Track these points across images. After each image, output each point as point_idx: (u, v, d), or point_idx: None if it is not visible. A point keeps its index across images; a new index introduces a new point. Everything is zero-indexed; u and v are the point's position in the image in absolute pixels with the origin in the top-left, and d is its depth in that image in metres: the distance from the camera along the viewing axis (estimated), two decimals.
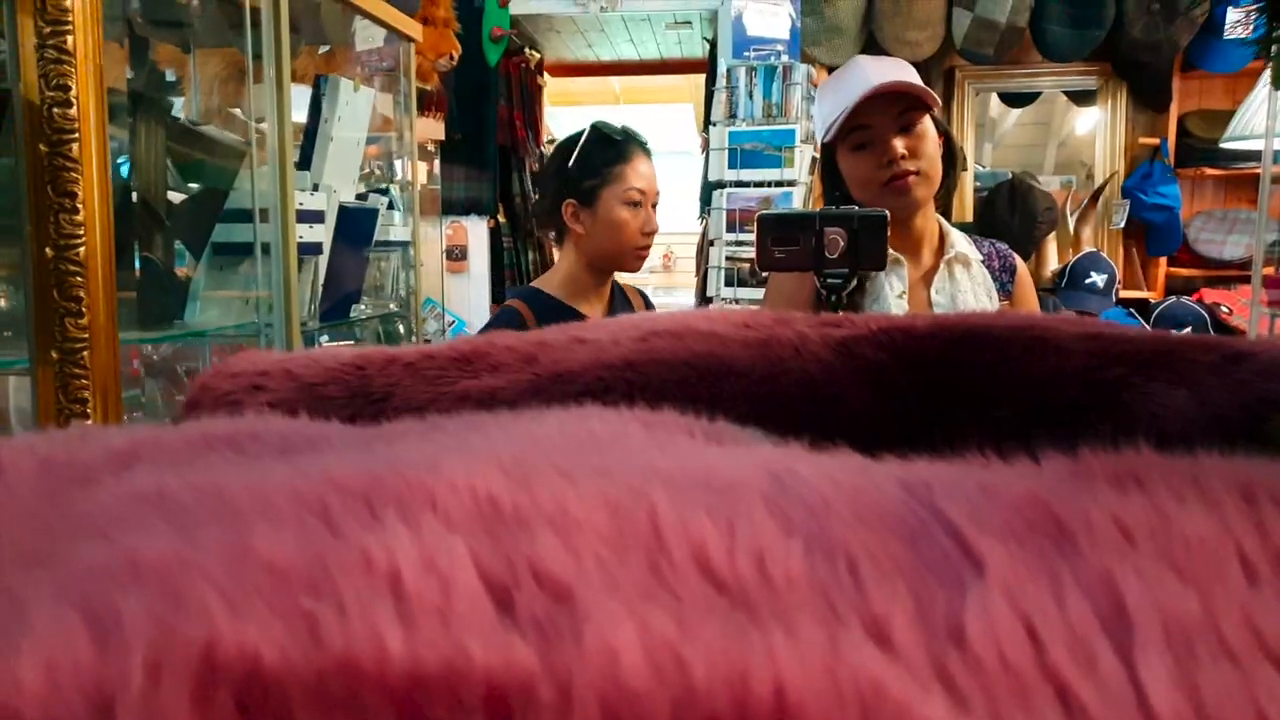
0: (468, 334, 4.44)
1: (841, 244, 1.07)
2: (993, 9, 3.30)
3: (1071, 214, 3.72)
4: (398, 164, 2.27)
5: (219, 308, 1.49)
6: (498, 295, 4.47)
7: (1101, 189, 3.61)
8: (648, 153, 1.68)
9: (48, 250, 0.86)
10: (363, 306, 1.83)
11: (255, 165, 1.37)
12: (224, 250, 1.43)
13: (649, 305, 1.85)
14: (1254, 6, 0.61)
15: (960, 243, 1.53)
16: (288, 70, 1.36)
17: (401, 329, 2.04)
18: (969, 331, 0.69)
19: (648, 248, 1.65)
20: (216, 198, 1.42)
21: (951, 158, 1.50)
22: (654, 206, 1.66)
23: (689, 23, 4.46)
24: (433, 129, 3.91)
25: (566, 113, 7.56)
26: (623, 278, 1.78)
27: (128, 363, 1.35)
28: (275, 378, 0.64)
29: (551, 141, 6.13)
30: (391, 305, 2.00)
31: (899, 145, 1.41)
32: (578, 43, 4.96)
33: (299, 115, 1.81)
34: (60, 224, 0.86)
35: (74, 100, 0.85)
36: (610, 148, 1.63)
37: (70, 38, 0.84)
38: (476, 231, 4.37)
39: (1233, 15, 2.91)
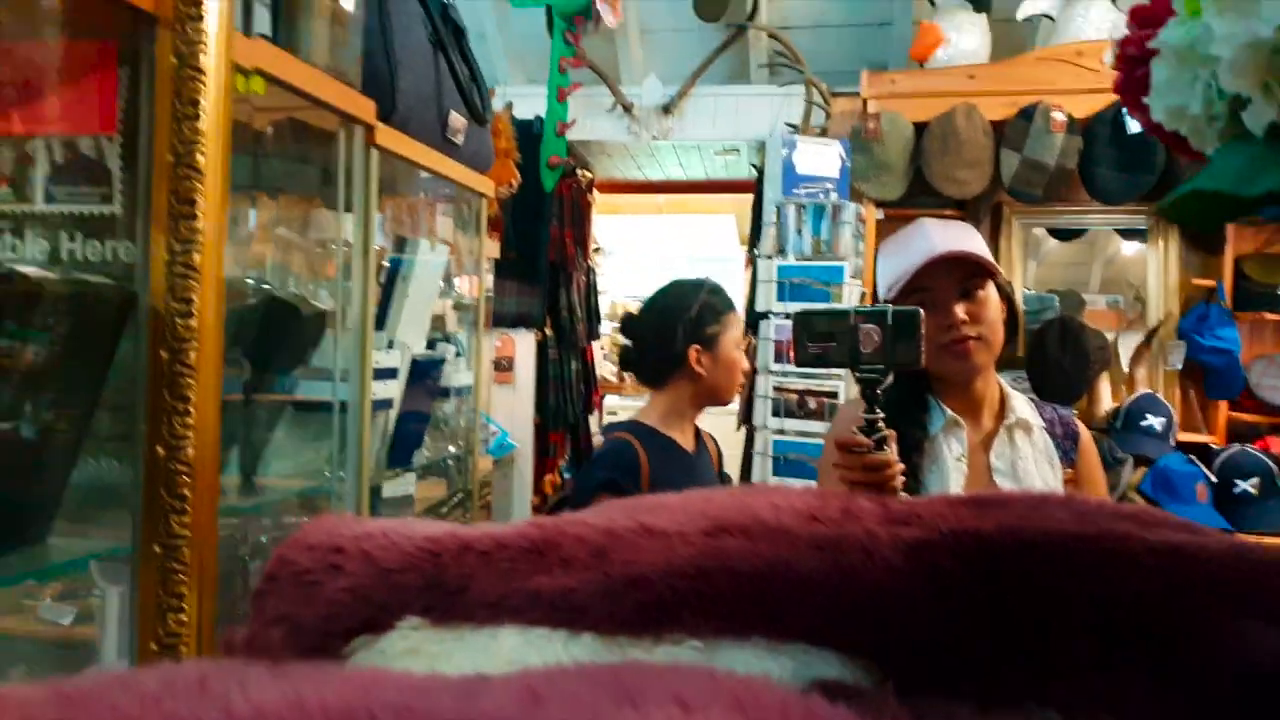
0: (510, 445, 4.48)
1: (876, 339, 1.07)
2: (1041, 151, 3.38)
3: (1122, 336, 3.69)
4: (457, 281, 2.37)
5: (292, 461, 1.53)
6: (541, 405, 4.53)
7: (1156, 330, 3.60)
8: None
9: (159, 449, 0.91)
10: (425, 450, 1.88)
11: (339, 328, 1.44)
12: (303, 408, 1.48)
13: (718, 447, 2.07)
14: None
15: (1022, 408, 1.53)
16: (373, 241, 1.43)
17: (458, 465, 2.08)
18: (1039, 541, 0.68)
19: (743, 385, 1.91)
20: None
21: (1014, 322, 1.52)
22: None
23: (737, 150, 4.60)
24: (489, 248, 4.04)
25: (611, 221, 7.75)
26: None
27: None
28: (352, 558, 0.65)
29: (597, 251, 6.28)
30: (451, 447, 2.05)
31: (960, 310, 1.42)
32: (628, 165, 5.12)
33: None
34: (173, 426, 0.91)
35: (195, 312, 0.90)
36: (721, 299, 1.89)
37: (198, 256, 0.90)
38: (524, 344, 4.47)
39: None
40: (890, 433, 1.20)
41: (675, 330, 1.82)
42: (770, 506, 0.70)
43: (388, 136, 1.48)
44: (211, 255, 0.91)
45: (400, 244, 1.68)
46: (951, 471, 1.47)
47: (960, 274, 1.42)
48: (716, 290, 1.90)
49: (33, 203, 1.01)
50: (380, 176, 1.87)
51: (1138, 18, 0.84)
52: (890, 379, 1.15)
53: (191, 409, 0.91)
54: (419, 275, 1.67)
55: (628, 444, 1.78)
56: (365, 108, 1.41)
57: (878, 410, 1.18)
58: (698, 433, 1.93)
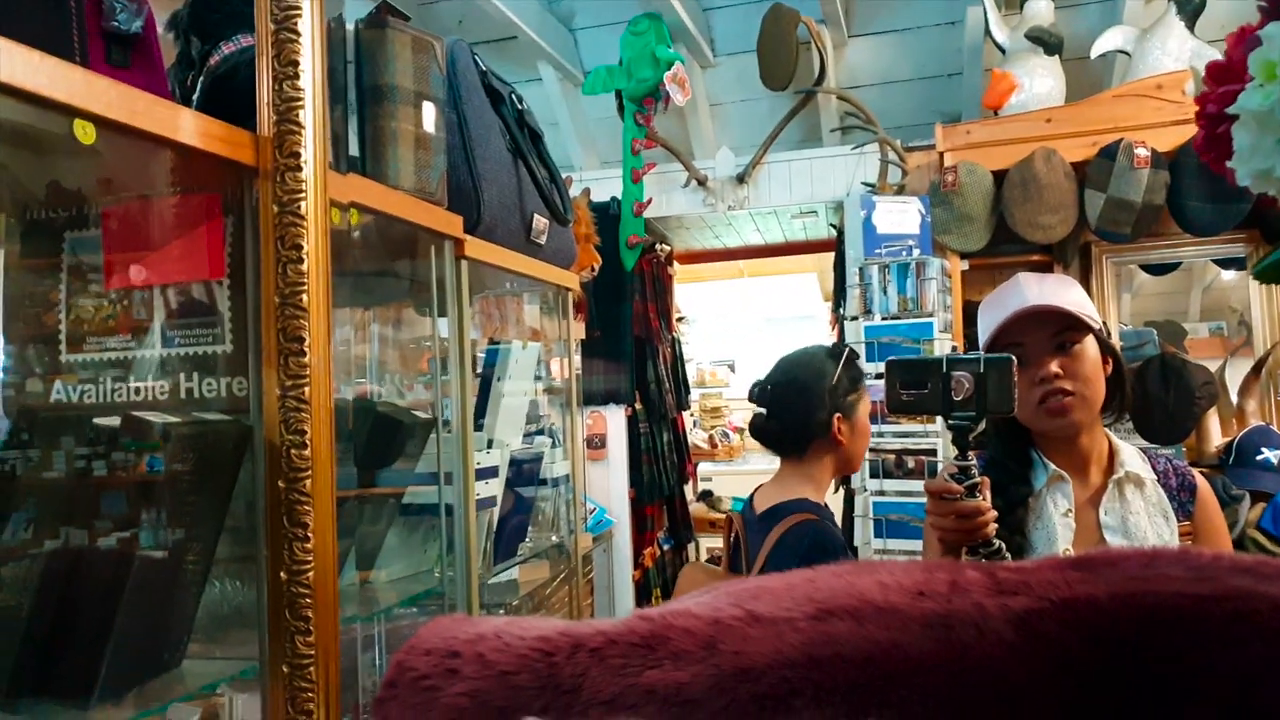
0: (608, 520, 4.50)
1: (968, 385, 1.08)
2: (1127, 190, 3.29)
3: (1229, 364, 3.54)
4: (552, 364, 2.43)
5: (403, 562, 1.58)
6: (635, 479, 4.54)
7: (1265, 359, 3.44)
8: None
9: (281, 574, 0.96)
10: (528, 541, 1.91)
11: (440, 433, 1.49)
12: (408, 511, 1.53)
13: None
14: None
15: (1132, 461, 1.47)
16: (468, 348, 1.49)
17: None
18: (1158, 609, 0.66)
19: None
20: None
21: (1119, 378, 1.47)
22: None
23: (815, 212, 4.62)
24: (575, 329, 4.13)
25: (693, 288, 7.81)
26: None
27: None
28: (468, 661, 0.67)
29: (680, 319, 6.33)
30: (554, 537, 2.08)
31: (1053, 365, 1.39)
32: (705, 235, 5.18)
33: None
34: (294, 551, 0.95)
35: (309, 443, 0.95)
36: (855, 367, 1.89)
37: (307, 389, 0.96)
38: (615, 420, 4.51)
39: None
40: (984, 480, 1.18)
41: (818, 399, 1.80)
42: (877, 585, 0.70)
43: (475, 247, 1.54)
44: (320, 387, 0.96)
45: (493, 344, 1.74)
46: (1059, 528, 1.42)
47: (1053, 328, 1.39)
48: (853, 358, 1.90)
49: (153, 347, 1.08)
50: (470, 280, 1.95)
51: (1214, 74, 0.83)
52: (982, 426, 1.14)
53: (310, 534, 0.95)
54: (513, 374, 1.72)
55: (830, 527, 1.76)
56: (452, 223, 1.47)
57: (970, 457, 1.16)
58: None
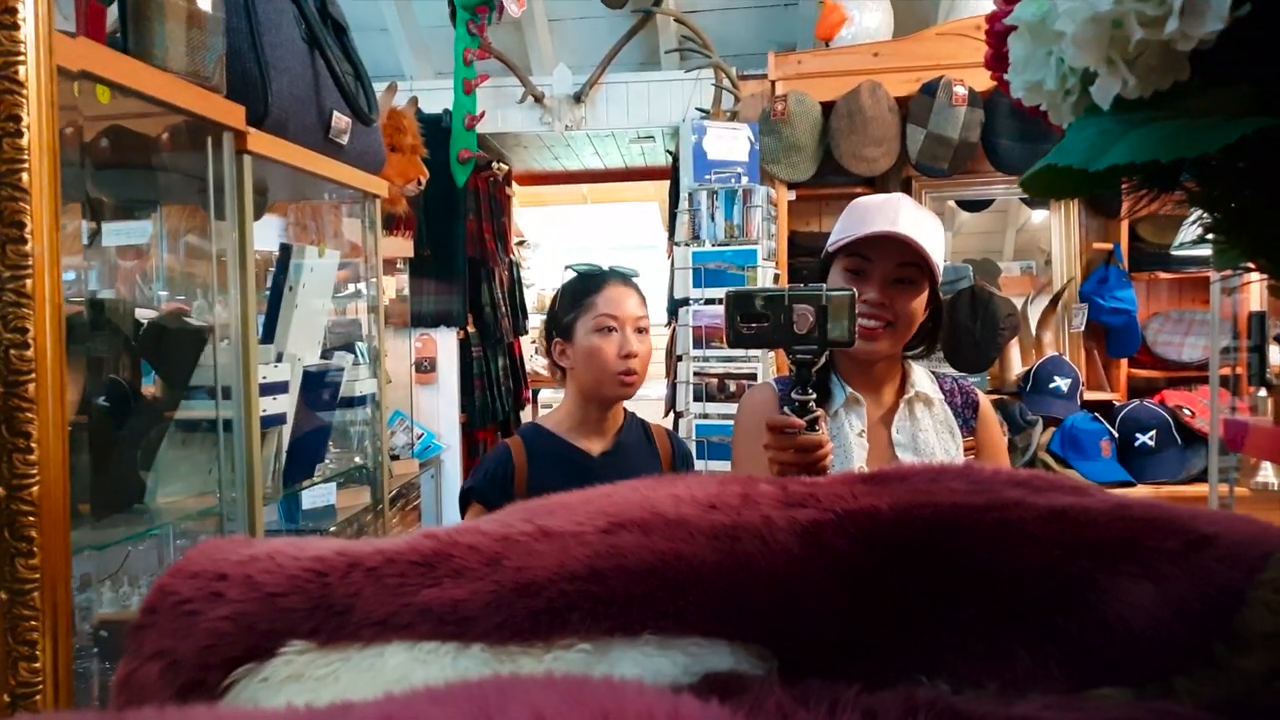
0: (437, 446, 4.41)
1: (810, 319, 1.07)
2: (945, 126, 3.41)
3: (1033, 300, 3.78)
4: (362, 285, 2.30)
5: (183, 483, 1.47)
6: (466, 404, 4.46)
7: (1060, 294, 3.69)
8: (626, 281, 1.74)
9: (0, 490, 0.85)
10: (328, 462, 1.82)
11: (216, 342, 1.37)
12: (188, 427, 1.42)
13: (676, 446, 1.82)
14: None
15: (922, 381, 1.53)
16: (250, 251, 1.37)
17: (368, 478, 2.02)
18: (933, 519, 0.68)
19: (630, 372, 1.65)
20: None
21: (934, 330, 1.50)
22: (642, 331, 1.67)
23: (652, 137, 4.58)
24: (401, 246, 3.96)
25: (536, 213, 7.69)
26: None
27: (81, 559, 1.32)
28: (235, 584, 0.62)
29: (521, 243, 6.21)
30: (357, 459, 1.99)
31: (882, 293, 1.41)
32: (544, 156, 5.06)
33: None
34: (14, 464, 0.85)
35: (31, 342, 0.84)
36: (584, 282, 1.71)
37: (29, 281, 0.84)
38: (446, 343, 4.39)
39: None
40: (821, 412, 1.19)
41: (547, 327, 1.75)
42: (671, 498, 0.68)
43: (261, 141, 1.41)
44: (45, 279, 0.85)
45: (285, 252, 1.61)
46: (854, 448, 1.46)
47: (900, 259, 1.40)
48: (580, 276, 1.73)
49: None
50: (270, 182, 1.81)
51: None
52: (824, 359, 1.14)
53: (34, 445, 0.85)
54: (308, 284, 1.60)
55: (505, 451, 1.67)
56: (232, 112, 1.34)
57: (810, 391, 1.16)
58: (627, 431, 1.74)
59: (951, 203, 4.18)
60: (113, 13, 1.26)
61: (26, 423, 0.84)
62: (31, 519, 0.85)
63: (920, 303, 1.44)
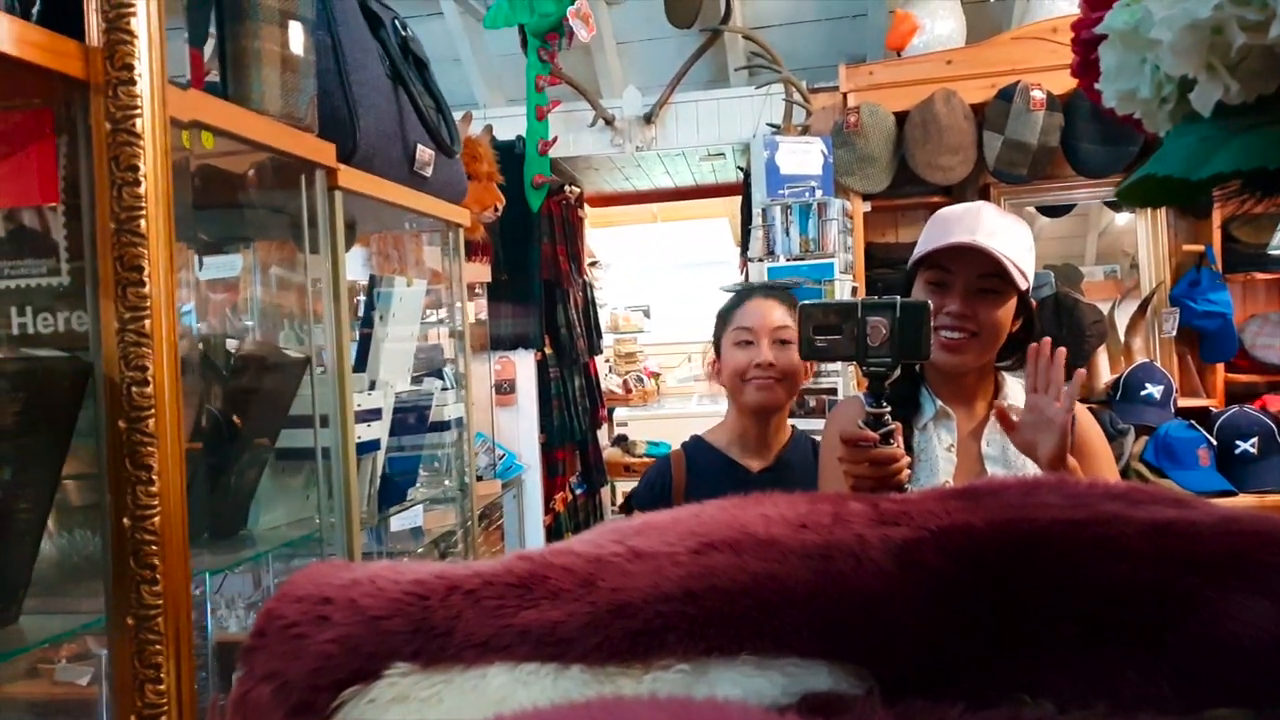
0: (518, 466, 4.47)
1: (884, 332, 1.06)
2: (1023, 131, 3.35)
3: (1119, 305, 3.67)
4: (443, 311, 2.35)
5: (283, 509, 1.52)
6: (544, 424, 4.52)
7: (1149, 299, 3.57)
8: (771, 294, 1.79)
9: (125, 520, 0.90)
10: (419, 486, 1.86)
11: (314, 372, 1.42)
12: (286, 456, 1.47)
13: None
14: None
15: (1015, 392, 1.49)
16: (344, 283, 1.42)
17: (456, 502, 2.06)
18: (1030, 535, 0.67)
19: (764, 378, 1.68)
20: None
21: (1027, 337, 1.45)
22: (785, 342, 1.69)
23: (722, 154, 4.59)
24: (479, 272, 4.03)
25: (607, 233, 7.75)
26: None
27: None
28: (340, 608, 0.64)
29: (594, 264, 6.27)
30: (446, 481, 2.03)
31: (966, 305, 1.38)
32: (615, 177, 5.11)
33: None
34: (137, 495, 0.89)
35: (150, 379, 0.89)
36: (731, 301, 1.79)
37: (148, 321, 0.89)
38: (524, 364, 4.46)
39: None
40: (896, 426, 1.17)
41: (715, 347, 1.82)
42: (760, 518, 0.69)
43: (350, 177, 1.47)
44: (162, 320, 0.89)
45: (374, 283, 1.67)
46: (941, 462, 1.44)
47: (983, 269, 1.37)
48: (737, 292, 1.82)
49: None
50: (357, 215, 1.87)
51: (1089, 0, 0.82)
52: (898, 372, 1.13)
53: (155, 477, 0.89)
54: (397, 313, 1.65)
55: (667, 462, 1.74)
56: (324, 151, 1.39)
57: (884, 404, 1.15)
58: (788, 450, 1.76)
59: (1031, 208, 4.09)
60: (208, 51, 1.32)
61: (148, 456, 0.89)
62: (154, 548, 0.89)
63: (1006, 312, 1.41)
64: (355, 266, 2.53)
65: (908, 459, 1.19)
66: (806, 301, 1.12)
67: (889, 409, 1.15)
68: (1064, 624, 0.60)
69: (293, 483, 1.54)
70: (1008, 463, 1.44)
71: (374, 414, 1.55)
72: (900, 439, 1.19)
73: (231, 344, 1.43)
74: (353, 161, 1.48)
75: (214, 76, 1.29)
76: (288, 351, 1.39)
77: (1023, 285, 1.39)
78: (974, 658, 0.60)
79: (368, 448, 1.54)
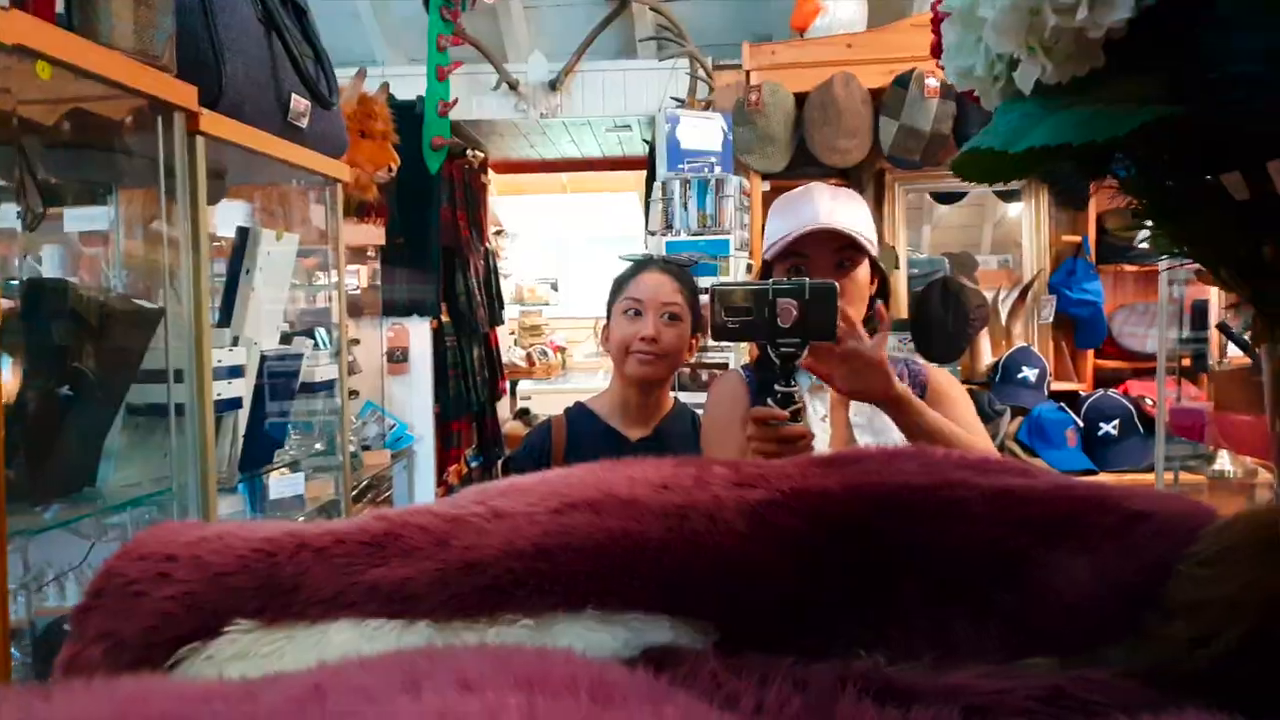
0: (409, 437, 4.39)
1: (794, 313, 1.10)
2: (917, 118, 3.42)
3: (1008, 293, 3.81)
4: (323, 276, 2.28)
5: (136, 468, 1.45)
6: (440, 395, 4.44)
7: (1029, 285, 3.71)
8: (665, 269, 1.79)
9: None
10: (288, 449, 1.81)
11: (169, 325, 1.36)
12: (138, 411, 1.40)
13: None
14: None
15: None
16: (205, 233, 1.36)
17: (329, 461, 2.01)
18: (881, 498, 0.69)
19: (646, 353, 1.68)
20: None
21: (884, 295, 1.54)
22: (674, 317, 1.70)
23: (629, 127, 4.57)
24: (373, 234, 3.92)
25: (514, 202, 7.65)
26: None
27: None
28: (183, 565, 0.62)
29: (499, 233, 6.18)
30: (318, 445, 1.98)
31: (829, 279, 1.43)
32: (520, 144, 5.04)
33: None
34: None
35: None
36: (626, 270, 1.78)
37: None
38: (419, 332, 4.36)
39: None
40: (804, 404, 1.20)
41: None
42: (626, 479, 0.69)
43: (215, 123, 1.40)
44: None
45: (243, 236, 1.60)
46: (818, 431, 1.48)
47: (836, 245, 1.43)
48: (635, 262, 1.83)
49: None
50: (229, 165, 1.79)
51: None
52: (806, 352, 1.16)
53: None
54: (265, 267, 1.59)
55: (548, 426, 1.74)
56: (183, 92, 1.33)
57: (794, 383, 1.18)
58: (668, 421, 1.78)
59: (927, 195, 4.20)
60: None
61: None
62: None
63: (864, 284, 1.48)
64: (236, 221, 2.44)
65: (813, 435, 1.23)
66: (717, 284, 1.14)
67: (798, 387, 1.19)
68: (907, 582, 0.62)
69: (151, 440, 1.48)
70: (873, 430, 1.49)
71: (236, 371, 1.49)
72: (807, 416, 1.22)
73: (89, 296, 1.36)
74: (218, 107, 1.42)
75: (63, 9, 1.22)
76: (139, 302, 1.33)
77: (872, 251, 1.46)
78: (822, 614, 0.62)
79: (228, 405, 1.48)
